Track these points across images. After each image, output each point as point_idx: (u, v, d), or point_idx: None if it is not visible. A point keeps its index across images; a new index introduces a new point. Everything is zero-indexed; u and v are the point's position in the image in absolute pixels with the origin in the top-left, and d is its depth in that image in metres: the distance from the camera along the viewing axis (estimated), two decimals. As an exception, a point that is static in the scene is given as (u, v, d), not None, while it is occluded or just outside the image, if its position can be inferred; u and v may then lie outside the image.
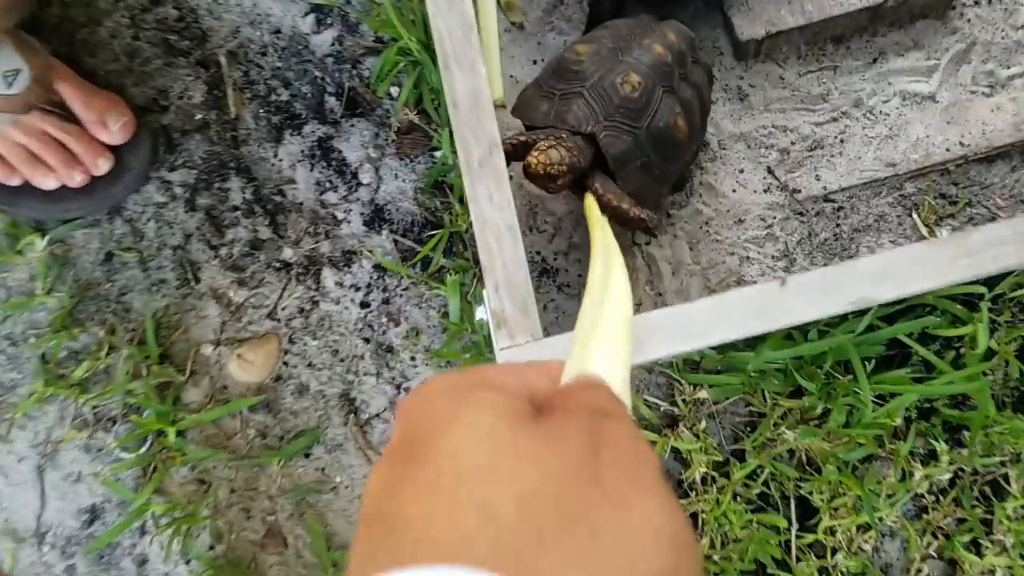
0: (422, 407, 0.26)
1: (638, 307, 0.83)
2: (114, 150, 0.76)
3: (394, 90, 0.85)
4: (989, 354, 0.72)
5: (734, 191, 0.83)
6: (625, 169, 0.63)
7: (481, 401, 0.25)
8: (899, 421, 0.70)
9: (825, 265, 0.81)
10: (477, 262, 0.73)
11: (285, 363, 0.77)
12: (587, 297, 0.43)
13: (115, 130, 0.73)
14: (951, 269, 0.45)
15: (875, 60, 0.83)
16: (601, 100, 0.63)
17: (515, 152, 0.64)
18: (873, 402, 0.71)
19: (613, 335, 0.36)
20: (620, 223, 0.67)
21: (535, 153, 0.58)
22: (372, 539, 0.22)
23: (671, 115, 0.64)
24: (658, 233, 0.71)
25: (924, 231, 0.79)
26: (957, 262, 0.45)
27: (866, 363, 0.74)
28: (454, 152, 0.61)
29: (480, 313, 0.70)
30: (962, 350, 0.74)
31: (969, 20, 0.84)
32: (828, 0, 0.80)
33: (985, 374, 0.73)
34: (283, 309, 0.78)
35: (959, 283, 0.45)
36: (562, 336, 0.48)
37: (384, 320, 0.77)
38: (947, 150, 0.81)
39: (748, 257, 0.82)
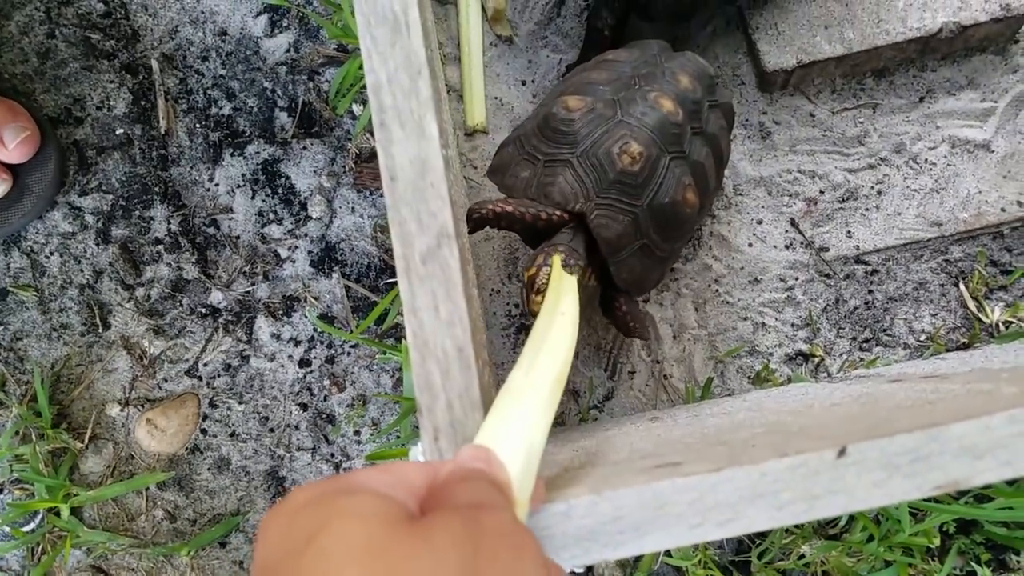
0: (284, 526, 0.26)
1: (632, 375, 0.71)
2: (12, 169, 0.64)
3: (357, 108, 0.73)
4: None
5: (750, 245, 0.71)
6: (619, 255, 0.53)
7: (350, 508, 0.26)
8: (936, 542, 0.57)
9: (854, 339, 0.69)
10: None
11: (203, 431, 0.65)
12: (520, 358, 0.40)
13: (13, 146, 0.63)
14: None
15: (922, 99, 0.72)
16: (594, 172, 0.52)
17: (494, 221, 0.52)
18: (908, 512, 0.59)
19: (531, 406, 0.37)
20: (615, 325, 0.62)
21: (536, 299, 0.51)
22: None
23: (679, 189, 0.53)
24: (650, 336, 0.60)
25: (972, 305, 0.67)
26: None
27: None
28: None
29: (415, 453, 0.57)
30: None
31: (1033, 57, 0.72)
32: (872, 27, 0.69)
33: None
34: (205, 365, 0.67)
35: None
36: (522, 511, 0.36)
37: (326, 383, 0.66)
38: (1002, 209, 0.70)
39: (764, 324, 0.71)
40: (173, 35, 0.76)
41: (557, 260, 0.51)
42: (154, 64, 0.74)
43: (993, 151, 0.73)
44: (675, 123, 0.57)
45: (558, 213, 0.55)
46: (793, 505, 0.37)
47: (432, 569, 0.24)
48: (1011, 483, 0.65)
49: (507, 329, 0.72)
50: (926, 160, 0.73)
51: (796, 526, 0.66)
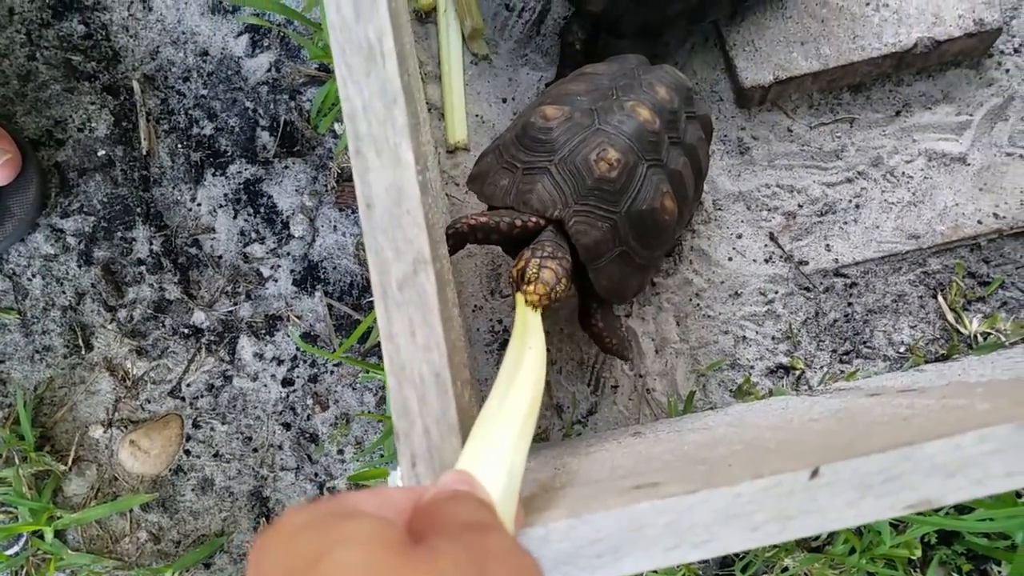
0: (281, 549, 0.26)
1: (615, 389, 0.72)
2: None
3: (339, 127, 0.74)
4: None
5: (730, 259, 0.72)
6: (598, 261, 0.53)
7: (352, 534, 0.26)
8: (918, 553, 0.58)
9: (834, 351, 0.69)
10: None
11: (187, 452, 0.65)
12: (493, 389, 0.41)
13: (-6, 169, 0.62)
14: None
15: (898, 113, 0.74)
16: (572, 179, 0.53)
17: (471, 235, 0.52)
18: (890, 523, 0.60)
19: (508, 432, 0.38)
20: (593, 340, 0.62)
21: (530, 287, 0.51)
22: None
23: (657, 196, 0.54)
24: (629, 356, 0.61)
25: (951, 317, 0.68)
26: None
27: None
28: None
29: (394, 478, 0.57)
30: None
31: (1007, 71, 0.74)
32: (847, 43, 0.70)
33: (1020, 495, 0.61)
34: (188, 385, 0.67)
35: None
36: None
37: (309, 403, 0.66)
38: (979, 222, 0.71)
39: (744, 337, 0.71)
40: (154, 56, 0.76)
41: (520, 298, 0.51)
42: (135, 85, 0.75)
43: (969, 164, 0.74)
44: (652, 131, 0.57)
45: (533, 220, 0.55)
46: (767, 526, 0.37)
47: None
48: (992, 495, 0.65)
49: (490, 345, 0.72)
50: (903, 173, 0.74)
51: (779, 539, 0.67)
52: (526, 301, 0.51)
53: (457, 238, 0.56)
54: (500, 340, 0.73)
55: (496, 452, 0.37)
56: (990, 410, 0.42)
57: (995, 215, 0.72)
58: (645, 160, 0.57)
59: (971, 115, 0.75)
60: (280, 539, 0.27)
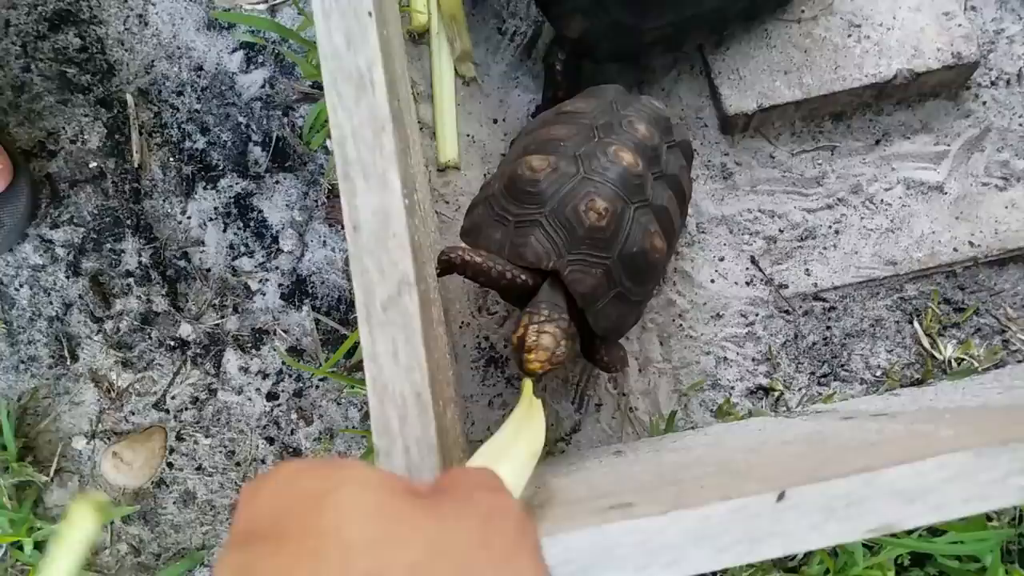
0: (282, 488, 0.26)
1: (598, 407, 0.73)
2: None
3: (331, 144, 0.75)
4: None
5: (712, 282, 0.74)
6: (596, 306, 0.56)
7: (359, 477, 0.26)
8: (891, 574, 0.59)
9: (813, 374, 0.71)
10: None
11: (170, 464, 0.66)
12: (502, 429, 0.44)
13: (-15, 179, 0.63)
14: (1003, 491, 0.35)
15: (878, 142, 0.76)
16: (563, 230, 0.55)
17: (462, 269, 0.54)
18: (863, 545, 0.61)
19: (516, 462, 0.41)
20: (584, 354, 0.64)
21: (531, 356, 0.54)
22: None
23: (646, 237, 0.56)
24: (622, 368, 0.63)
25: (926, 342, 0.70)
26: (1010, 481, 0.35)
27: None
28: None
29: None
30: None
31: (984, 103, 0.76)
32: (828, 73, 0.72)
33: (990, 518, 0.63)
34: (173, 398, 0.68)
35: (1007, 506, 0.35)
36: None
37: (293, 417, 0.67)
38: (955, 250, 0.73)
39: (725, 358, 0.73)
40: (149, 70, 0.77)
41: (527, 385, 0.52)
42: (129, 98, 0.76)
43: (946, 193, 0.76)
44: (636, 174, 0.59)
45: (523, 276, 0.57)
46: (735, 547, 0.39)
47: (443, 534, 0.25)
48: (962, 517, 0.67)
49: (476, 362, 0.73)
50: (882, 201, 0.76)
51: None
52: (527, 369, 0.53)
53: (446, 267, 0.58)
54: (486, 356, 0.74)
55: (504, 468, 0.39)
56: (953, 437, 0.43)
57: (970, 243, 0.74)
58: (632, 203, 0.58)
59: (948, 145, 0.77)
60: (277, 480, 0.26)
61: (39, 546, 0.66)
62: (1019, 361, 0.72)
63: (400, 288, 0.41)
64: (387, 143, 0.42)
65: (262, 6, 0.78)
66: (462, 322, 0.74)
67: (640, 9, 0.66)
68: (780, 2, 0.74)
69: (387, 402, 0.40)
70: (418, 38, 0.79)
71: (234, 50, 0.78)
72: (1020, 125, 0.77)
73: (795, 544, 0.37)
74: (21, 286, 0.73)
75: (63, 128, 0.75)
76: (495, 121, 0.78)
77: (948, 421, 0.50)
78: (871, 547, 0.67)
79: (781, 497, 0.37)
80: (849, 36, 0.75)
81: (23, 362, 0.71)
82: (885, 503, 0.38)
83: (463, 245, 0.59)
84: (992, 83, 0.78)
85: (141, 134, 0.75)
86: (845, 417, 0.62)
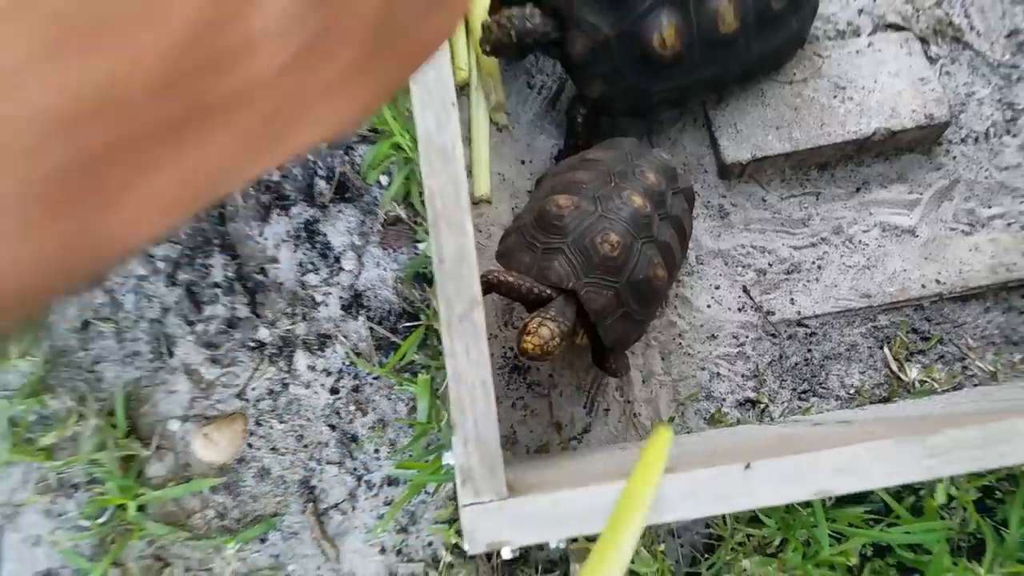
0: None
1: (607, 412, 0.85)
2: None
3: (384, 179, 0.88)
4: (948, 498, 0.74)
5: (709, 307, 0.85)
6: (606, 321, 0.68)
7: None
8: (855, 560, 0.71)
9: (794, 390, 0.83)
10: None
11: (250, 445, 0.79)
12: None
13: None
14: (914, 469, 0.47)
15: (858, 190, 0.87)
16: (582, 256, 0.67)
17: (497, 287, 0.67)
18: (831, 536, 0.73)
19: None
20: (595, 361, 0.77)
21: (527, 337, 0.66)
22: None
23: (650, 267, 0.68)
24: (624, 374, 0.76)
25: (894, 366, 0.81)
26: (920, 462, 0.47)
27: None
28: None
29: (448, 458, 0.72)
30: (922, 492, 0.75)
31: (955, 157, 0.87)
32: (815, 129, 0.84)
33: (943, 517, 0.74)
34: (253, 390, 0.81)
35: (920, 481, 0.47)
36: (526, 498, 0.50)
37: (352, 408, 0.80)
38: (923, 286, 0.84)
39: (718, 373, 0.84)
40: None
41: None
42: (219, 137, 0.90)
43: (917, 236, 0.87)
44: (644, 215, 0.72)
45: (547, 291, 0.70)
46: (713, 502, 0.51)
47: None
48: (916, 512, 0.78)
49: (502, 369, 0.86)
50: (860, 241, 0.88)
51: (739, 543, 0.80)
52: (522, 347, 0.66)
53: (487, 286, 0.71)
54: (511, 365, 0.86)
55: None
56: (886, 432, 0.55)
57: (937, 281, 0.85)
58: (640, 239, 0.71)
59: (921, 194, 0.88)
60: None
61: (141, 509, 0.80)
62: (975, 384, 0.83)
63: (471, 305, 0.54)
64: (463, 199, 0.55)
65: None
66: (491, 334, 0.87)
67: (651, 77, 0.79)
68: (773, 66, 0.86)
69: (461, 386, 0.53)
70: (460, 91, 0.92)
71: (306, 96, 0.92)
72: (986, 178, 0.88)
73: (758, 501, 0.49)
74: (127, 292, 0.87)
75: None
76: (523, 162, 0.91)
77: (889, 424, 0.62)
78: (839, 538, 0.79)
79: (748, 467, 0.50)
80: (835, 97, 0.87)
81: (128, 356, 0.85)
82: (825, 474, 0.50)
83: (499, 268, 0.72)
84: (962, 140, 0.89)
85: (228, 168, 0.90)
86: (815, 424, 0.74)
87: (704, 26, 0.74)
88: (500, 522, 0.52)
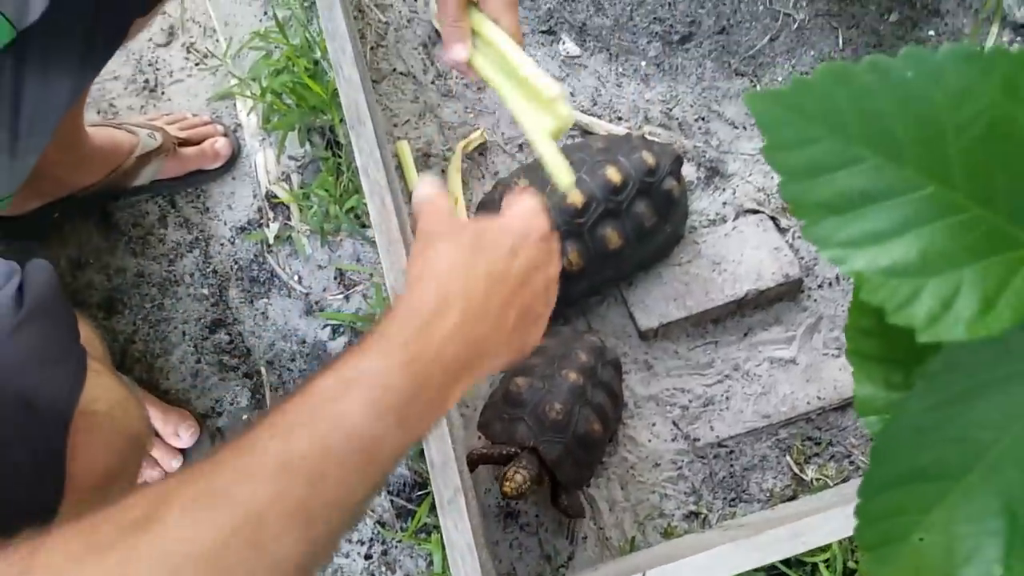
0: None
1: (584, 539, 1.08)
2: (182, 452, 1.06)
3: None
4: (848, 571, 0.95)
5: (649, 441, 1.10)
6: (561, 467, 0.94)
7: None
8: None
9: (725, 499, 1.06)
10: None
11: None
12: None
13: (185, 438, 1.04)
14: (746, 561, 0.70)
15: (746, 334, 1.14)
16: (537, 421, 0.95)
17: (480, 461, 0.95)
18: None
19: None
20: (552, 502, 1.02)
21: (507, 483, 0.93)
22: None
23: (588, 424, 0.95)
24: (582, 515, 1.00)
25: (796, 469, 1.05)
26: (750, 555, 0.70)
27: None
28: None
29: None
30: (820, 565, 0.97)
31: (816, 300, 1.15)
32: (703, 297, 1.12)
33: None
34: (307, 565, 1.05)
35: (749, 569, 0.70)
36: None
37: (383, 569, 1.03)
38: (808, 403, 1.09)
39: (666, 495, 1.08)
40: (271, 347, 1.21)
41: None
42: (262, 369, 1.19)
43: (798, 364, 1.13)
44: (579, 386, 0.99)
45: (515, 450, 0.96)
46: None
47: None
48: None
49: (498, 516, 1.09)
50: (755, 374, 1.13)
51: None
52: (503, 490, 0.91)
53: (472, 463, 0.97)
54: (504, 511, 1.10)
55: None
56: (745, 535, 0.79)
57: (818, 397, 1.10)
58: (578, 404, 0.98)
59: (795, 331, 1.15)
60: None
61: None
62: (861, 475, 1.06)
63: (455, 493, 0.80)
64: (457, 430, 0.82)
65: (340, 296, 1.23)
66: (486, 488, 1.11)
67: (569, 283, 1.08)
68: (662, 257, 1.16)
69: (454, 551, 0.77)
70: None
71: (324, 327, 1.22)
72: (842, 311, 1.15)
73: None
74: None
75: (224, 396, 1.18)
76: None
77: (751, 528, 0.85)
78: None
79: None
80: (713, 271, 1.15)
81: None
82: (688, 571, 0.73)
83: (476, 446, 0.99)
84: (819, 286, 1.17)
85: (272, 391, 1.18)
86: (725, 529, 0.97)
87: (597, 247, 1.04)
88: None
